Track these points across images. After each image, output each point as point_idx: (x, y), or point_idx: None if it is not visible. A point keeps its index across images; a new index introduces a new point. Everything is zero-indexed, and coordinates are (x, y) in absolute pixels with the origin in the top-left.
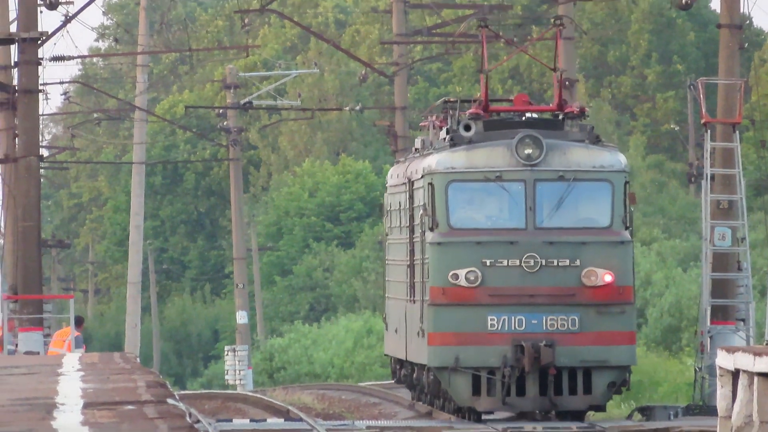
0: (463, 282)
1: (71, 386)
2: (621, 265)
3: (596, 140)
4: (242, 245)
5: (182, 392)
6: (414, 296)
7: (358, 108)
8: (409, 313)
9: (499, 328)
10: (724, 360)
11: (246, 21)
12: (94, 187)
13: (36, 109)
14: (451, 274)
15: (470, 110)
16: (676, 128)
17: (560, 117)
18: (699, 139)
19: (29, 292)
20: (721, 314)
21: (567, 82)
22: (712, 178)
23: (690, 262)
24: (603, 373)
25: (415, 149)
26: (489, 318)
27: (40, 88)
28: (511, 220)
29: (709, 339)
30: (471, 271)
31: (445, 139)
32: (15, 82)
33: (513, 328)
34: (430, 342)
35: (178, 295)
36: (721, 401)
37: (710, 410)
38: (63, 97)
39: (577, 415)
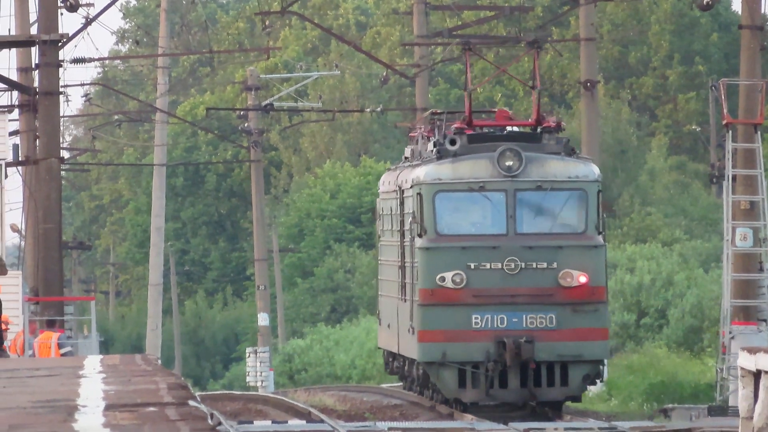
0: (449, 284)
1: (93, 388)
2: (595, 267)
3: (571, 152)
4: (263, 247)
5: (202, 393)
6: (405, 295)
7: (379, 109)
8: (401, 310)
9: (483, 326)
10: (745, 360)
11: (267, 23)
12: (114, 189)
13: (57, 111)
14: (438, 276)
15: (455, 125)
16: (698, 129)
17: (538, 131)
18: (720, 140)
19: (50, 294)
20: (742, 315)
21: (588, 84)
22: (734, 178)
23: (712, 263)
24: (578, 367)
25: (405, 158)
26: (473, 317)
27: (61, 90)
28: (493, 227)
29: (730, 339)
30: (457, 273)
31: (432, 151)
32: (36, 84)
33: (495, 325)
34: (420, 339)
35: (199, 297)
36: (742, 402)
37: (732, 411)
38: (84, 99)
39: (555, 405)
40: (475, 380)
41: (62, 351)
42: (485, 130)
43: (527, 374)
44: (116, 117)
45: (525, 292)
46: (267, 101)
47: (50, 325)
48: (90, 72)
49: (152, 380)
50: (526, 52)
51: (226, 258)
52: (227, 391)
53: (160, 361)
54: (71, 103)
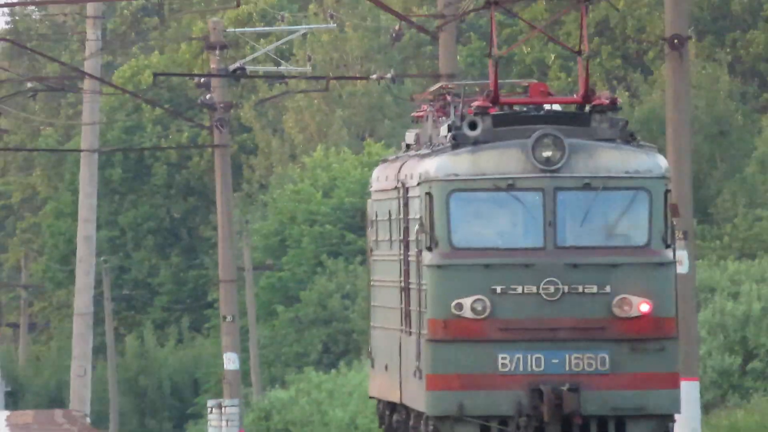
0: (468, 313)
1: None
2: (661, 292)
3: (630, 139)
4: (231, 263)
5: None
6: (410, 327)
7: (389, 76)
8: (405, 346)
9: (513, 369)
10: None
11: None
12: (27, 183)
13: None
14: (454, 303)
15: (476, 102)
16: None
17: (586, 110)
18: None
19: None
20: None
21: (675, 41)
22: None
23: None
24: (640, 424)
25: (407, 146)
26: (500, 357)
27: None
28: (526, 238)
29: None
30: (478, 299)
31: (446, 137)
32: None
33: (529, 368)
34: (429, 386)
35: (144, 331)
36: None
37: None
38: None
39: None
40: None
41: None
42: (516, 109)
43: None
44: (29, 85)
45: (568, 325)
46: (237, 64)
47: None
48: None
49: None
50: (569, 7)
51: (181, 278)
52: None
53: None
54: None
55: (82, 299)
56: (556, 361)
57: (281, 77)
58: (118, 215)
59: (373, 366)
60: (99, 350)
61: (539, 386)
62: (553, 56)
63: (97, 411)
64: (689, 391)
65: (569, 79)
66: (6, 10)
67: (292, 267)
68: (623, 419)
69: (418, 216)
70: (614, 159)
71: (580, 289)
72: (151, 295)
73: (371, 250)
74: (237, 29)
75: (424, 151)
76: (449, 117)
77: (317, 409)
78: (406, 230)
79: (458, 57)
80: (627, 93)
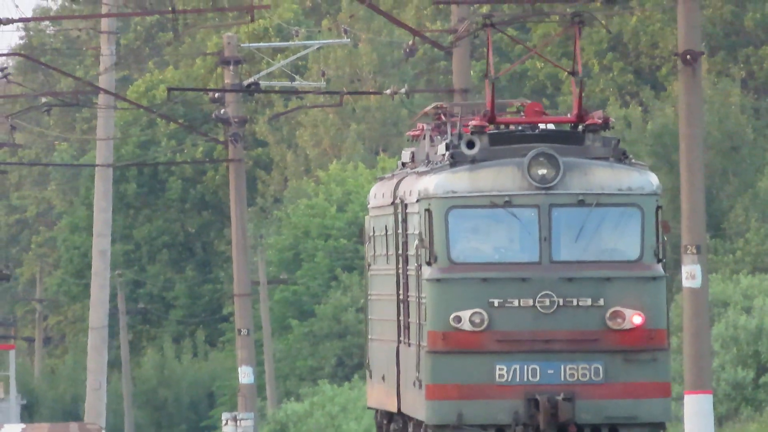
0: (466, 326)
1: None
2: (653, 305)
3: (623, 157)
4: (246, 278)
5: None
6: (409, 338)
7: (403, 91)
8: (403, 358)
9: (510, 379)
10: None
11: None
12: (42, 197)
13: None
14: (452, 316)
15: (473, 121)
16: None
17: (580, 129)
18: None
19: None
20: None
21: (688, 56)
22: None
23: None
24: None
25: (403, 164)
26: (497, 367)
27: None
28: (522, 253)
29: None
30: (476, 312)
31: (444, 155)
32: None
33: (526, 379)
34: (429, 396)
35: (159, 345)
36: None
37: None
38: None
39: None
40: None
41: None
42: (512, 128)
43: None
44: (44, 100)
45: (563, 337)
46: (251, 79)
47: None
48: (8, 37)
49: None
50: (564, 27)
51: (196, 292)
52: None
53: None
54: None
55: (97, 313)
56: (552, 371)
57: (295, 92)
58: (132, 229)
59: (370, 377)
60: (114, 364)
61: (535, 396)
62: (566, 72)
63: (112, 424)
64: (703, 404)
65: (582, 94)
66: (20, 25)
67: (306, 281)
68: (616, 428)
69: (416, 231)
70: (607, 177)
71: (575, 302)
72: (166, 308)
73: (368, 265)
74: (251, 44)
75: (421, 168)
76: (444, 136)
77: (331, 422)
78: (404, 245)
79: (472, 72)
80: (640, 108)
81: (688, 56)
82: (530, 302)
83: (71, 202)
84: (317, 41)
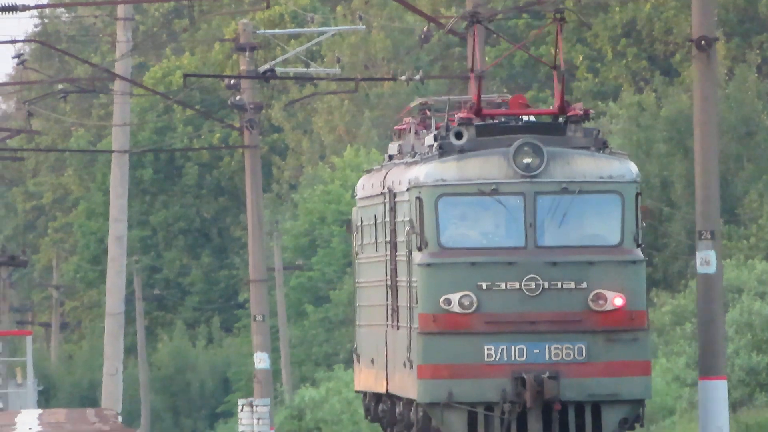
0: (456, 308)
1: None
2: (633, 288)
3: (603, 146)
4: (261, 263)
5: None
6: (398, 322)
7: (417, 77)
8: (392, 340)
9: (497, 358)
10: None
11: None
12: (59, 184)
13: None
14: (442, 299)
15: (460, 114)
16: None
17: (562, 121)
18: None
19: None
20: None
21: (703, 42)
22: None
23: None
24: (614, 408)
25: (389, 157)
26: (486, 348)
27: None
28: (508, 238)
29: None
30: (465, 295)
31: (432, 146)
32: None
33: (513, 358)
34: (420, 375)
35: (175, 331)
36: None
37: None
38: (16, 60)
39: None
40: (489, 425)
41: None
42: (497, 119)
43: (551, 417)
44: (60, 86)
45: (548, 318)
46: (267, 66)
47: None
48: (24, 24)
49: None
50: (547, 23)
51: (212, 278)
52: None
53: (120, 418)
54: None
55: (113, 299)
56: (538, 351)
57: (310, 78)
58: (149, 215)
59: (358, 362)
60: (130, 349)
61: (522, 375)
62: (581, 57)
63: (128, 410)
64: (717, 390)
65: (596, 80)
66: (35, 12)
67: (321, 267)
68: (599, 404)
69: (406, 219)
70: (589, 165)
71: (559, 285)
72: (182, 294)
73: (356, 254)
74: (267, 31)
75: (409, 159)
76: (429, 130)
77: (347, 408)
78: (393, 232)
79: (486, 58)
80: (654, 94)
81: (703, 42)
82: (517, 285)
83: (88, 188)
84: (332, 27)
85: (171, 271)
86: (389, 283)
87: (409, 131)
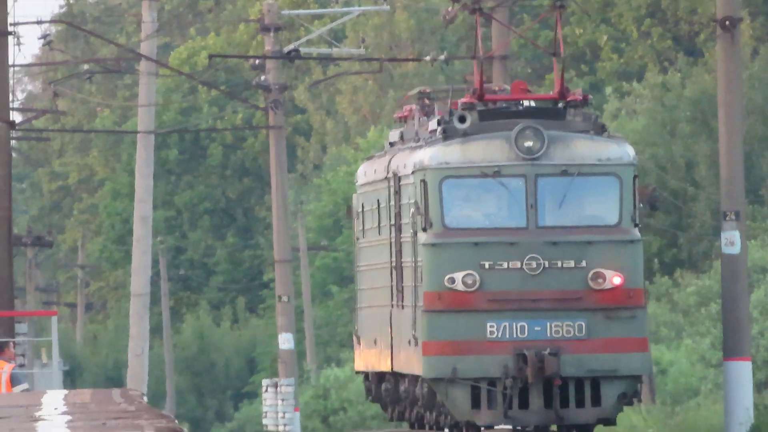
0: (460, 286)
1: None
2: (631, 266)
3: (601, 130)
4: (286, 244)
5: None
6: (403, 301)
7: (442, 58)
8: (396, 320)
9: (500, 335)
10: None
11: None
12: (84, 164)
13: (4, 57)
14: (447, 277)
15: (463, 99)
16: None
17: (562, 105)
18: None
19: None
20: None
21: (727, 22)
22: None
23: None
24: (613, 384)
25: (390, 144)
26: (488, 325)
27: (10, 29)
28: (510, 219)
29: None
30: (468, 274)
31: (436, 131)
32: None
33: (515, 335)
34: (425, 352)
35: (200, 311)
36: None
37: None
38: (42, 41)
39: (585, 429)
40: (491, 400)
41: (18, 389)
42: (499, 104)
43: (552, 392)
44: (86, 67)
45: (549, 296)
46: (291, 46)
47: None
48: (50, 5)
49: (136, 424)
50: (547, 11)
51: (236, 258)
52: None
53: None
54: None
55: (138, 279)
56: (539, 328)
57: (334, 59)
58: (174, 196)
59: (359, 344)
60: (155, 330)
61: (523, 351)
62: (605, 37)
63: (153, 390)
64: (741, 371)
65: (621, 60)
66: None
67: (346, 247)
68: (598, 380)
69: (411, 201)
70: (588, 148)
71: (559, 264)
72: (207, 275)
73: (357, 239)
74: (291, 11)
75: (414, 144)
76: (431, 116)
77: None
78: (398, 215)
79: (511, 38)
80: (678, 74)
81: (727, 22)
82: (518, 264)
83: (113, 168)
84: (356, 8)
85: (196, 251)
86: (394, 264)
87: (412, 117)
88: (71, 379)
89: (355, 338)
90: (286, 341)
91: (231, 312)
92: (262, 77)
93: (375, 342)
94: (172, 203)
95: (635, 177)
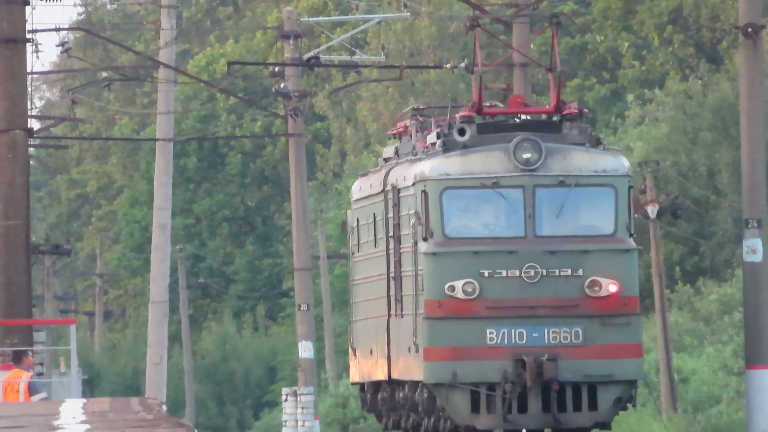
0: (460, 294)
1: None
2: (626, 275)
3: (597, 143)
4: (306, 252)
5: None
6: (402, 310)
7: (463, 65)
8: (395, 328)
9: (499, 341)
10: None
11: None
12: (103, 172)
13: (23, 65)
14: (447, 286)
15: (461, 113)
16: None
17: (558, 119)
18: None
19: (15, 316)
20: None
21: (749, 29)
22: None
23: None
24: (609, 389)
25: (385, 159)
26: (488, 331)
27: (29, 36)
28: (509, 229)
29: None
30: (468, 282)
31: (435, 144)
32: None
33: (513, 341)
34: (426, 357)
35: (219, 320)
36: None
37: None
38: (60, 49)
39: None
40: (491, 404)
41: (36, 398)
42: (497, 118)
43: (550, 397)
44: (104, 74)
45: (547, 303)
46: (311, 53)
47: (17, 360)
48: (68, 12)
49: None
50: (543, 28)
51: (255, 267)
52: None
53: (165, 407)
54: (43, 55)
55: (157, 287)
56: (537, 334)
57: (355, 66)
58: (193, 203)
59: (354, 356)
60: (174, 338)
61: (522, 357)
62: (626, 44)
63: (172, 398)
64: (764, 379)
65: (643, 68)
66: (79, 0)
67: None
68: (595, 385)
69: (411, 212)
70: (584, 160)
71: (557, 273)
72: (226, 283)
73: (352, 254)
74: (311, 18)
75: (412, 158)
76: (426, 131)
77: None
78: (398, 226)
79: (532, 46)
80: (699, 81)
81: (750, 29)
82: (517, 273)
83: (132, 176)
84: (377, 15)
85: (215, 259)
86: (393, 274)
87: (407, 133)
88: (90, 387)
89: (351, 350)
90: (306, 350)
91: (251, 320)
92: (282, 85)
93: (371, 352)
94: (191, 211)
95: (630, 188)
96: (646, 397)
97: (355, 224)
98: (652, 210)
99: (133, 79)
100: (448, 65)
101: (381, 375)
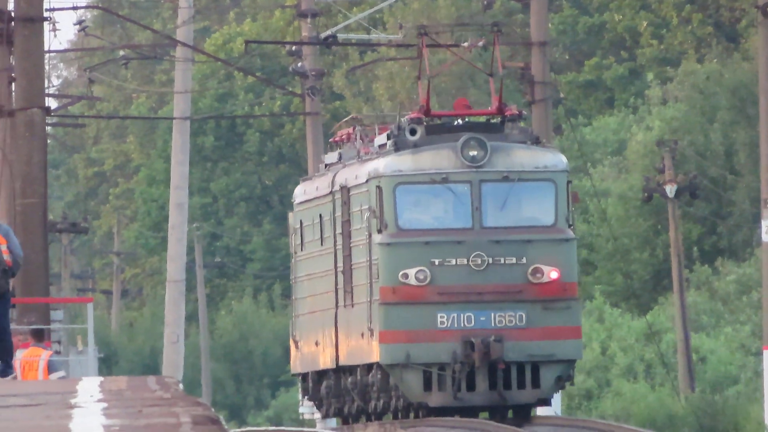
0: (412, 281)
1: (89, 423)
2: (566, 262)
3: (537, 141)
4: None
5: (243, 430)
6: (353, 300)
7: (480, 44)
8: (344, 318)
9: (449, 325)
10: None
11: None
12: (120, 150)
13: (40, 43)
14: (401, 273)
15: (411, 115)
16: None
17: (500, 120)
18: None
19: (32, 294)
20: None
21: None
22: None
23: None
24: (550, 368)
25: (326, 165)
26: (439, 316)
27: (46, 14)
28: (457, 221)
29: None
30: (420, 270)
31: (385, 145)
32: (11, 6)
33: (462, 325)
34: (382, 340)
35: (237, 298)
36: None
37: None
38: (77, 27)
39: (525, 409)
40: (442, 383)
41: (54, 376)
42: (443, 120)
43: (496, 376)
44: (122, 53)
45: (493, 289)
46: (329, 32)
47: (37, 337)
48: None
49: (171, 412)
50: (481, 38)
51: (273, 245)
52: (274, 428)
53: (182, 386)
54: (60, 33)
55: (174, 266)
56: (484, 318)
57: (372, 45)
58: (210, 182)
59: (297, 348)
60: (191, 317)
61: (471, 339)
62: (645, 23)
63: (189, 377)
64: None
65: (661, 47)
66: None
67: None
68: (538, 364)
69: (364, 207)
70: (526, 157)
71: (502, 261)
72: (243, 262)
73: (295, 253)
74: None
75: (361, 159)
76: (367, 138)
77: None
78: (347, 222)
79: (549, 25)
80: (715, 61)
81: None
82: (465, 261)
83: (149, 155)
84: None
85: (232, 238)
86: (341, 268)
87: (350, 140)
88: (107, 366)
89: (292, 343)
90: None
91: (267, 299)
92: (299, 63)
93: (317, 343)
94: (208, 190)
95: (569, 182)
96: (665, 377)
97: (298, 226)
98: (670, 189)
99: (151, 57)
100: (465, 44)
101: (327, 364)
